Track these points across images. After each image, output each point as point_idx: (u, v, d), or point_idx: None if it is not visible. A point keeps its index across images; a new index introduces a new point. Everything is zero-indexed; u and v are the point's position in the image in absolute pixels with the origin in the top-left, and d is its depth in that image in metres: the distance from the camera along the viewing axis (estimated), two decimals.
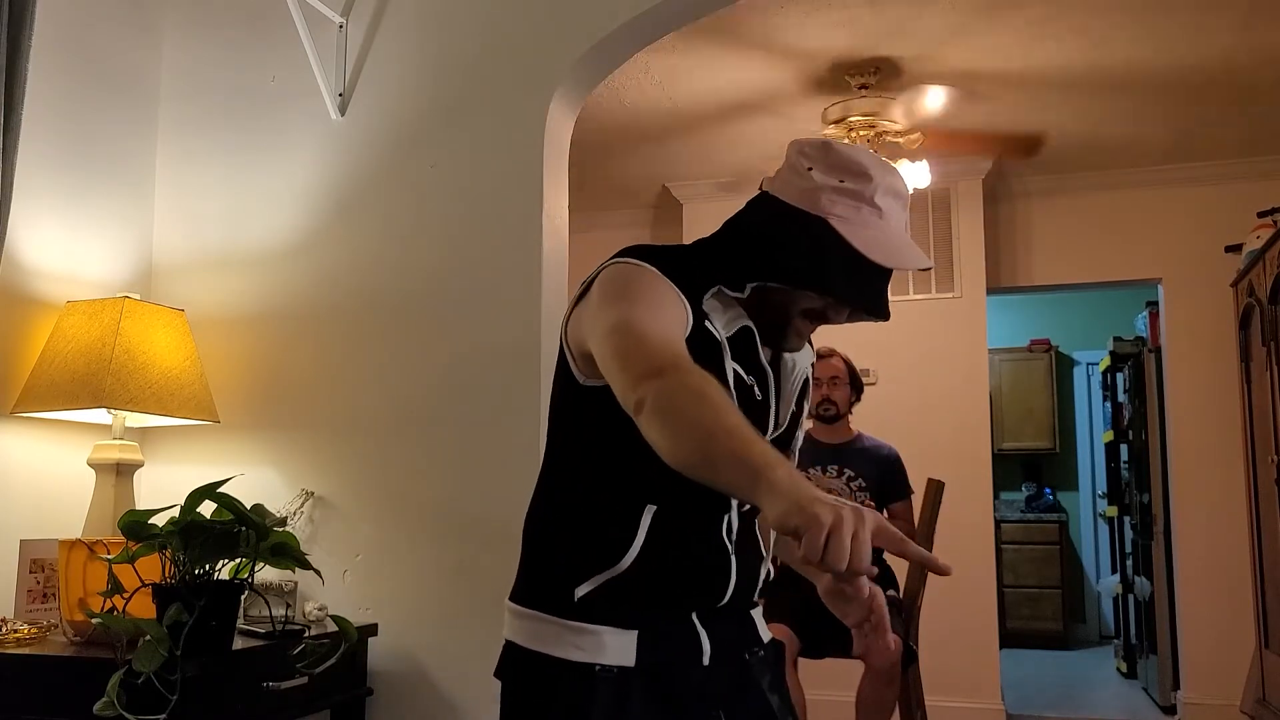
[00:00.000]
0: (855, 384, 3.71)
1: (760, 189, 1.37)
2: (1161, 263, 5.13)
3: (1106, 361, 6.37)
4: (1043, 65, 3.94)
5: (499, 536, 2.44)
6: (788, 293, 1.30)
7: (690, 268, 1.30)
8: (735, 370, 1.30)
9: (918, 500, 3.69)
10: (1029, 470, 8.16)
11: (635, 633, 1.28)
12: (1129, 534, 6.16)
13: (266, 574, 2.42)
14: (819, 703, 4.26)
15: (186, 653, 1.86)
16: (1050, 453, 8.11)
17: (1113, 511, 6.52)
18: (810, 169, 1.30)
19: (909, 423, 4.99)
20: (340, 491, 2.64)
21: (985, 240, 5.21)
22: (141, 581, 1.96)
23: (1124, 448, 6.20)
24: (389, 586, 2.56)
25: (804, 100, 4.29)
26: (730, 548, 1.32)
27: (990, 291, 5.25)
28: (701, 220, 5.31)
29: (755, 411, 1.33)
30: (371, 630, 2.50)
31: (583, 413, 1.33)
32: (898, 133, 4.11)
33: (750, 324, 1.33)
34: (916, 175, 4.19)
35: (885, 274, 1.29)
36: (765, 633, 1.45)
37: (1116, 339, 6.14)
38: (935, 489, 3.66)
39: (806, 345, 1.43)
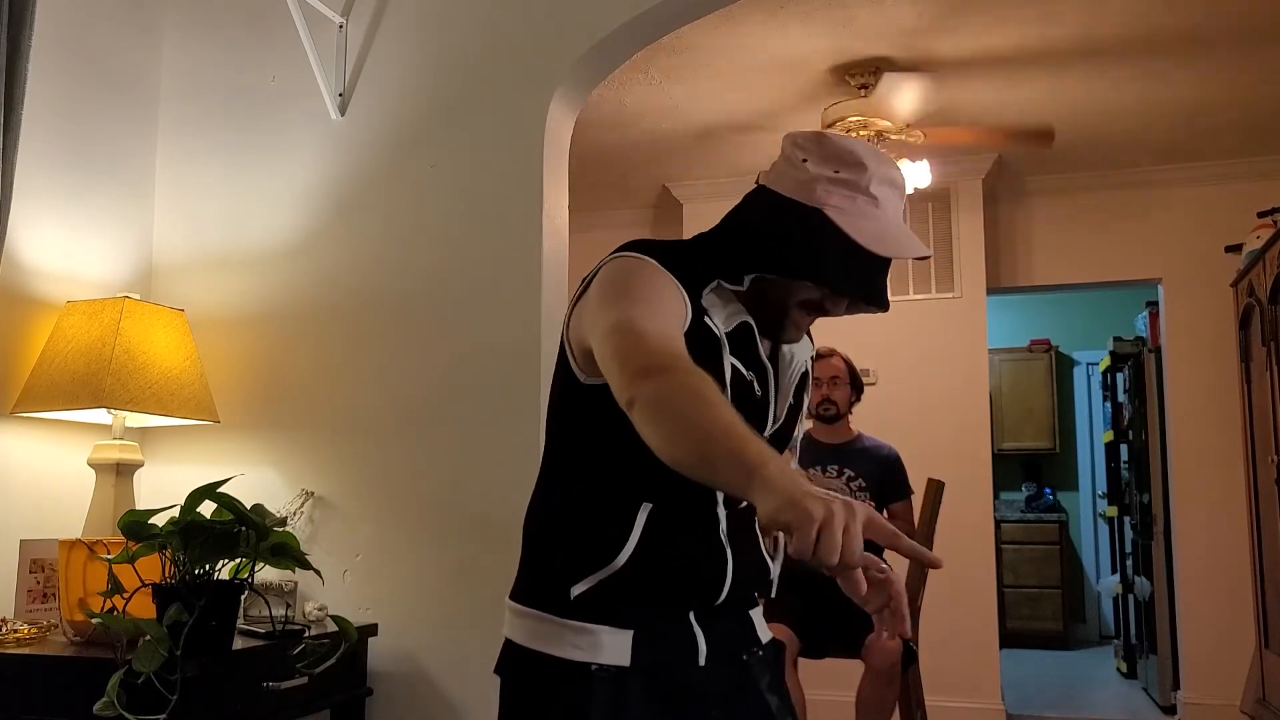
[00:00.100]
0: (855, 384, 3.71)
1: (757, 182, 1.37)
2: (1161, 263, 5.13)
3: (1106, 361, 6.37)
4: (1043, 64, 3.94)
5: (499, 536, 2.44)
6: (785, 284, 1.30)
7: (690, 262, 1.30)
8: (734, 366, 1.30)
9: (918, 500, 3.69)
10: (1029, 470, 8.16)
11: (631, 632, 1.28)
12: (1129, 534, 6.16)
13: (266, 574, 2.42)
14: (819, 703, 4.26)
15: (186, 653, 1.86)
16: (1050, 453, 8.11)
17: (1113, 511, 6.52)
18: (805, 160, 1.29)
19: (909, 423, 4.99)
20: (340, 491, 2.64)
21: (985, 240, 5.21)
22: (141, 581, 1.96)
23: (1124, 448, 6.20)
24: (389, 586, 2.56)
25: (804, 100, 4.29)
26: (727, 547, 1.32)
27: (990, 291, 5.25)
28: (701, 220, 5.29)
29: (754, 407, 1.33)
30: (371, 630, 2.50)
31: (582, 412, 1.33)
32: (898, 132, 4.11)
33: (749, 319, 1.33)
34: (917, 174, 4.19)
35: (883, 264, 1.29)
36: (765, 633, 1.45)
37: (1116, 339, 6.14)
38: (935, 489, 3.66)
39: (806, 339, 1.43)
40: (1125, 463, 6.19)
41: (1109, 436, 6.52)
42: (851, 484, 3.61)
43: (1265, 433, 4.06)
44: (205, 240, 2.83)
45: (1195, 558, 4.97)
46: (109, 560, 1.98)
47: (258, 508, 2.00)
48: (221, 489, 1.95)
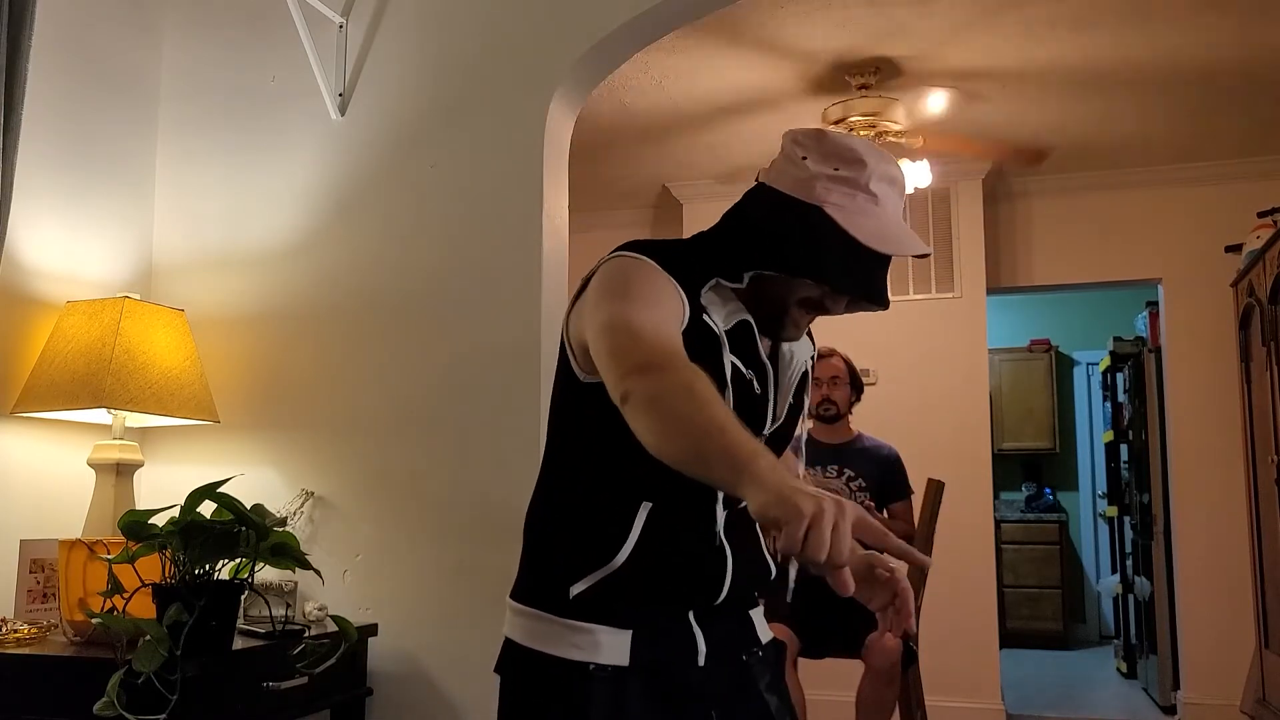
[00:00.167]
0: (855, 384, 3.71)
1: (756, 180, 1.37)
2: (1161, 263, 5.13)
3: (1106, 361, 6.37)
4: (1043, 65, 3.94)
5: (499, 536, 2.44)
6: (785, 282, 1.30)
7: (689, 261, 1.30)
8: (734, 364, 1.30)
9: (918, 500, 3.69)
10: (1029, 470, 8.16)
11: (630, 632, 1.28)
12: (1129, 534, 6.16)
13: (266, 574, 2.42)
14: (819, 703, 4.26)
15: (186, 653, 1.86)
16: (1050, 453, 8.11)
17: (1113, 511, 6.52)
18: (804, 158, 1.29)
19: (909, 423, 4.99)
20: (340, 491, 2.64)
21: (985, 240, 5.21)
22: (141, 581, 1.96)
23: (1124, 448, 6.20)
24: (389, 586, 2.56)
25: (804, 100, 4.29)
26: (726, 546, 1.32)
27: (990, 291, 5.25)
28: (701, 219, 5.27)
29: (753, 406, 1.33)
30: (371, 630, 2.50)
31: (582, 410, 1.33)
32: (898, 133, 4.11)
33: (749, 318, 1.32)
34: (917, 175, 4.19)
35: (883, 261, 1.29)
36: (765, 633, 1.45)
37: (1116, 339, 6.14)
38: (935, 489, 3.66)
39: (806, 338, 1.43)
40: (1125, 463, 6.19)
41: (1109, 436, 6.52)
42: (851, 484, 3.61)
43: (1265, 433, 4.06)
44: (205, 240, 2.83)
45: (1195, 558, 4.97)
46: (109, 560, 1.98)
47: (258, 508, 2.00)
48: (221, 489, 1.95)
